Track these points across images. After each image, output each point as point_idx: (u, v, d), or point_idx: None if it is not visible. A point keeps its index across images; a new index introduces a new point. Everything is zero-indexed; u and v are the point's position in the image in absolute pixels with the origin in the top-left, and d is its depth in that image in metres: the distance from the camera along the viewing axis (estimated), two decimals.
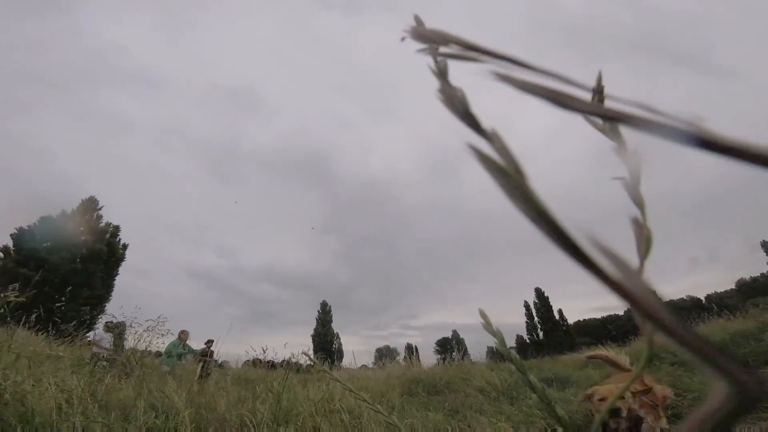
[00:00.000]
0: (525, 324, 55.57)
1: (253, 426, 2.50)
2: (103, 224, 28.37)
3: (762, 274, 44.32)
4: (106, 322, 8.49)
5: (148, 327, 6.44)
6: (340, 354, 51.03)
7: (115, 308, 7.15)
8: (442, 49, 0.23)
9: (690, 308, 36.30)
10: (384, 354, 53.95)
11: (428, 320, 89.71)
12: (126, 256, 28.91)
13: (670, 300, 49.13)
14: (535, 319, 54.94)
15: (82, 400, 2.18)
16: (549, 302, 55.08)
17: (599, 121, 0.32)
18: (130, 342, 6.72)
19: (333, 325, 54.97)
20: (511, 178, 0.18)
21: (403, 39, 0.26)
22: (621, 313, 55.72)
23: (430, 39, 0.24)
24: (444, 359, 11.27)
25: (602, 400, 2.69)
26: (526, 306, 56.02)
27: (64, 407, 2.05)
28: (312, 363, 1.10)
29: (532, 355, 27.33)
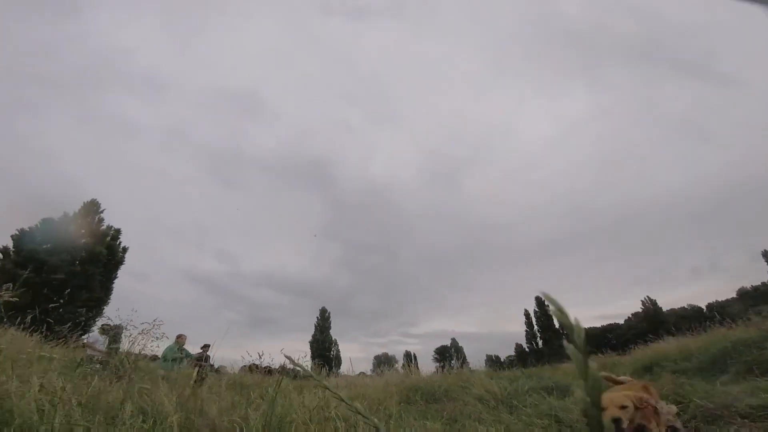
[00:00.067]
0: (525, 332, 55.33)
1: None
2: (104, 227, 28.36)
3: (763, 283, 44.05)
4: (102, 325, 8.44)
5: (142, 330, 6.35)
6: (338, 361, 50.71)
7: (113, 311, 7.05)
8: None
9: (691, 317, 36.08)
10: (382, 361, 53.57)
11: (427, 328, 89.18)
12: (126, 259, 28.88)
13: (672, 309, 49.01)
14: (535, 327, 54.70)
15: (66, 402, 2.12)
16: (549, 311, 54.84)
17: None
18: (124, 345, 6.64)
19: (332, 331, 54.71)
20: None
21: None
22: (621, 322, 55.53)
23: None
24: (443, 367, 11.17)
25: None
26: (526, 314, 55.76)
27: (47, 408, 2.00)
28: (301, 369, 1.04)
29: (532, 363, 27.11)
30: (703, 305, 48.05)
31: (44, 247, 24.27)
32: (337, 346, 54.58)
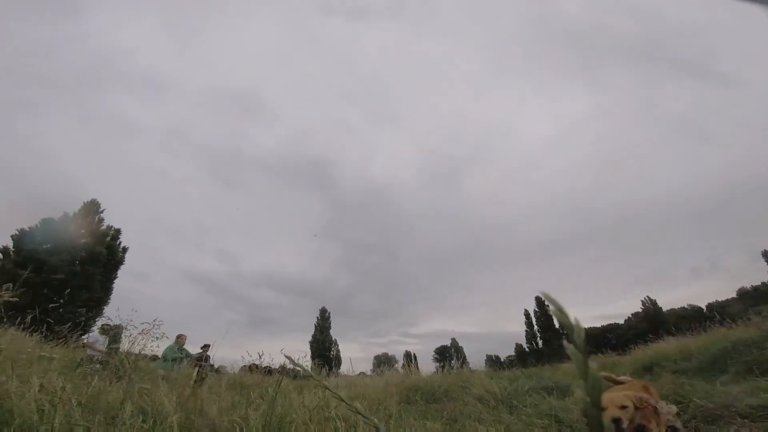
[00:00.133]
0: (525, 332, 55.34)
1: None
2: (104, 227, 28.36)
3: (763, 283, 44.05)
4: (102, 325, 8.44)
5: (142, 330, 6.34)
6: (338, 361, 50.71)
7: (113, 311, 7.04)
8: None
9: (691, 317, 36.08)
10: (382, 361, 53.61)
11: (427, 328, 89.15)
12: (126, 259, 28.89)
13: (672, 309, 49.01)
14: (535, 327, 54.70)
15: (66, 402, 2.12)
16: (549, 311, 54.84)
17: None
18: (124, 345, 6.64)
19: (332, 331, 54.71)
20: None
21: None
22: (621, 322, 55.53)
23: None
24: (443, 367, 11.16)
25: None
26: (526, 314, 55.76)
27: (47, 408, 1.99)
28: (301, 369, 1.04)
29: (532, 363, 27.11)
30: (703, 305, 48.04)
31: (44, 247, 24.27)
32: (337, 346, 54.60)
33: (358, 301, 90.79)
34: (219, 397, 3.33)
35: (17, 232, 24.37)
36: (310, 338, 53.07)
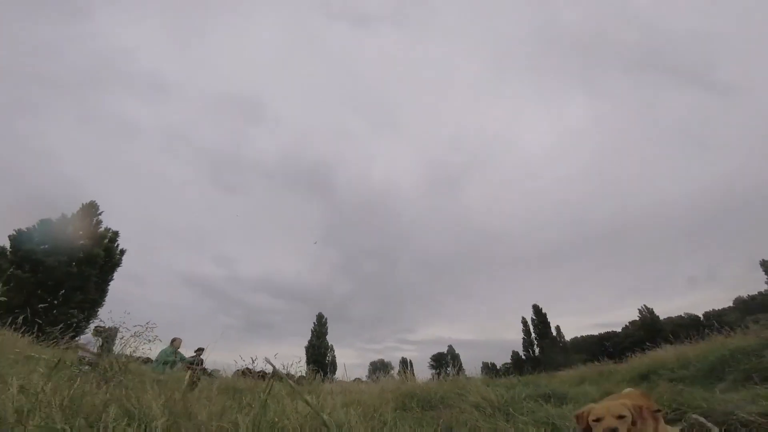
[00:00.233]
0: (522, 340, 55.30)
1: None
2: (102, 229, 28.29)
3: (760, 293, 44.22)
4: (96, 327, 8.36)
5: (135, 332, 6.28)
6: (333, 366, 50.49)
7: (106, 313, 6.99)
8: None
9: (688, 325, 36.04)
10: (378, 367, 53.51)
11: (424, 335, 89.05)
12: (123, 261, 28.80)
13: (669, 317, 48.99)
14: (532, 335, 54.65)
15: (44, 404, 2.05)
16: (546, 319, 54.86)
17: None
18: (117, 347, 6.57)
19: (328, 337, 54.57)
20: None
21: None
22: (618, 330, 55.49)
23: None
24: (439, 374, 11.07)
25: (597, 420, 2.57)
26: (524, 322, 55.80)
27: (25, 410, 1.93)
28: (282, 376, 0.99)
29: (528, 371, 27.00)
30: (699, 314, 48.14)
31: (41, 247, 24.16)
32: (333, 351, 54.45)
33: (356, 307, 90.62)
34: (209, 402, 3.26)
35: (15, 232, 24.24)
36: (306, 343, 52.91)
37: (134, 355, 6.48)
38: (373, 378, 14.74)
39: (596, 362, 19.40)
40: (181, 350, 10.40)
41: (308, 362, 45.56)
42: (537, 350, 53.48)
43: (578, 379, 14.76)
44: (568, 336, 56.10)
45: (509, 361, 55.65)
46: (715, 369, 8.55)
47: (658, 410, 2.79)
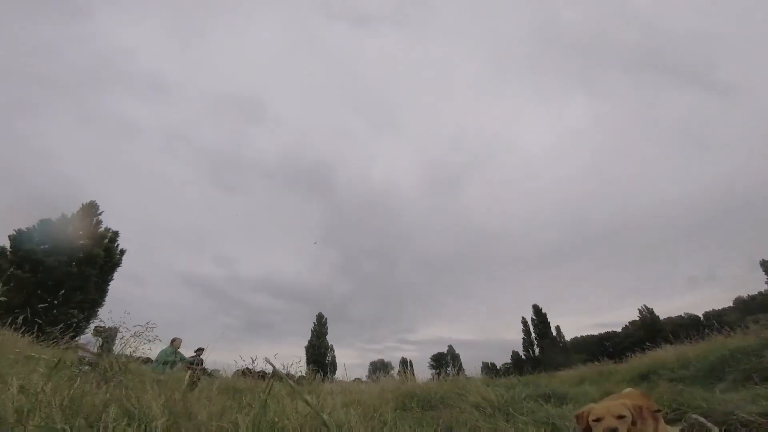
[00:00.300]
0: (522, 340, 55.31)
1: None
2: (102, 229, 28.31)
3: (760, 293, 44.24)
4: (96, 327, 8.36)
5: (135, 332, 6.28)
6: (333, 366, 50.50)
7: (106, 313, 6.99)
8: None
9: (688, 325, 36.04)
10: (378, 367, 53.52)
11: (424, 335, 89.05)
12: (123, 261, 28.83)
13: (669, 317, 48.99)
14: (532, 335, 54.65)
15: (44, 404, 2.05)
16: (546, 319, 54.87)
17: None
18: (117, 347, 6.58)
19: (328, 337, 54.57)
20: None
21: None
22: (618, 330, 55.49)
23: None
24: (439, 374, 11.07)
25: (597, 420, 2.57)
26: (524, 322, 55.80)
27: (25, 410, 1.92)
28: (282, 376, 0.99)
29: (528, 371, 27.00)
30: (699, 314, 48.15)
31: (41, 247, 24.17)
32: (333, 351, 54.45)
33: (356, 307, 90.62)
34: (209, 402, 3.25)
35: (15, 232, 24.24)
36: (306, 343, 52.90)
37: (134, 355, 6.48)
38: (373, 378, 14.74)
39: (596, 362, 19.40)
40: (181, 350, 10.40)
41: (308, 362, 45.56)
42: (537, 350, 53.50)
43: (578, 379, 14.75)
44: (568, 336, 56.19)
45: (509, 361, 55.70)
46: (715, 369, 8.55)
47: (658, 410, 2.80)
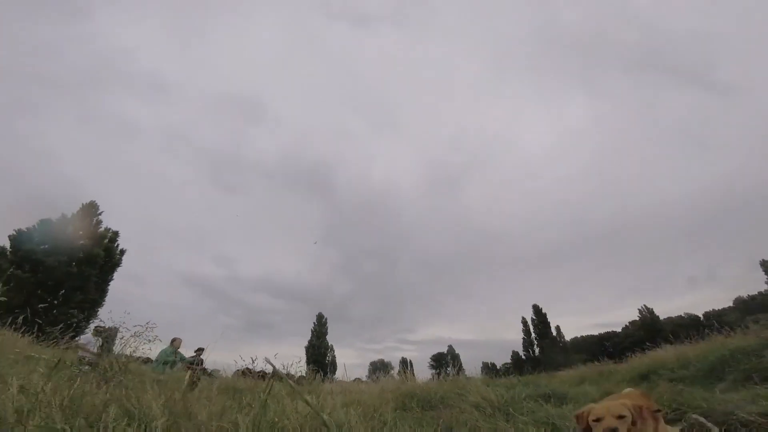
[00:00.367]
0: (522, 340, 55.32)
1: None
2: (102, 229, 28.32)
3: (760, 293, 44.25)
4: (96, 327, 8.36)
5: (135, 332, 6.28)
6: (333, 366, 50.50)
7: (106, 313, 7.00)
8: None
9: (688, 325, 36.04)
10: (378, 367, 53.52)
11: (424, 335, 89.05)
12: (123, 261, 28.84)
13: (669, 317, 48.99)
14: (532, 335, 54.66)
15: (44, 404, 2.05)
16: (546, 319, 54.88)
17: None
18: (117, 347, 6.58)
19: (328, 337, 54.56)
20: None
21: None
22: (618, 330, 55.49)
23: None
24: (439, 374, 11.07)
25: (597, 420, 2.57)
26: (524, 322, 55.81)
27: (25, 410, 1.92)
28: (283, 375, 0.99)
29: (528, 371, 27.00)
30: (699, 314, 48.16)
31: (41, 247, 24.16)
32: (333, 351, 54.44)
33: (356, 307, 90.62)
34: (209, 402, 3.25)
35: (15, 232, 24.24)
36: (306, 343, 52.90)
37: (134, 355, 6.48)
38: (373, 378, 14.74)
39: (596, 362, 19.40)
40: (181, 350, 10.40)
41: (308, 362, 45.61)
42: (537, 350, 53.51)
43: (578, 379, 14.75)
44: (568, 336, 56.21)
45: (509, 361, 55.72)
46: (715, 369, 8.55)
47: (658, 410, 2.79)
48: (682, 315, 50.00)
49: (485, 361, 55.37)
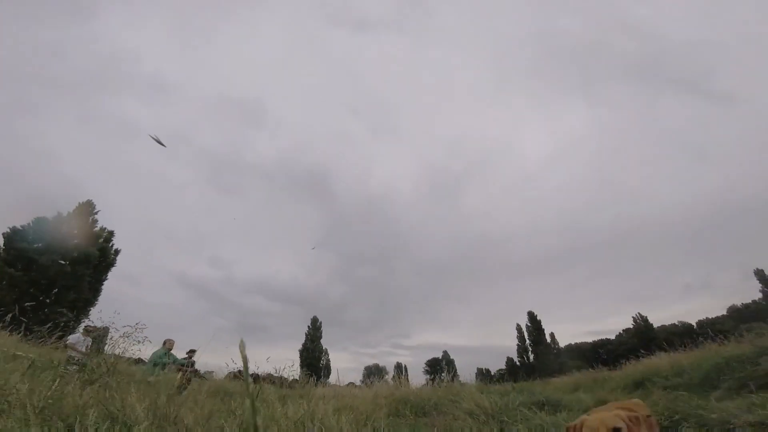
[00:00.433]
0: (516, 346, 55.25)
1: None
2: (97, 229, 28.11)
3: (754, 301, 44.43)
4: (86, 326, 8.24)
5: (124, 333, 6.18)
6: (327, 370, 50.15)
7: (97, 313, 6.91)
8: None
9: (682, 333, 36.12)
10: (373, 372, 53.16)
11: (420, 340, 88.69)
12: (118, 261, 28.63)
13: (662, 325, 49.07)
14: (527, 341, 54.61)
15: (17, 405, 1.97)
16: (541, 325, 54.86)
17: None
18: (108, 347, 6.48)
19: (323, 341, 54.20)
20: None
21: None
22: (612, 337, 55.51)
23: None
24: (433, 380, 11.01)
25: None
26: (518, 329, 55.76)
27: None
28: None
29: (523, 377, 26.91)
30: (693, 322, 48.27)
31: (35, 246, 23.91)
32: (327, 355, 54.04)
33: (351, 311, 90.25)
34: (197, 405, 3.17)
35: (9, 230, 23.98)
36: (300, 347, 52.55)
37: (124, 355, 6.38)
38: (367, 383, 14.66)
39: (591, 369, 19.36)
40: (174, 352, 10.27)
41: (302, 366, 45.32)
42: (531, 357, 53.44)
43: (572, 386, 14.71)
44: (563, 343, 56.18)
45: (504, 367, 55.59)
46: (710, 377, 8.53)
47: (649, 416, 2.73)
48: (676, 323, 50.06)
49: (480, 366, 55.25)
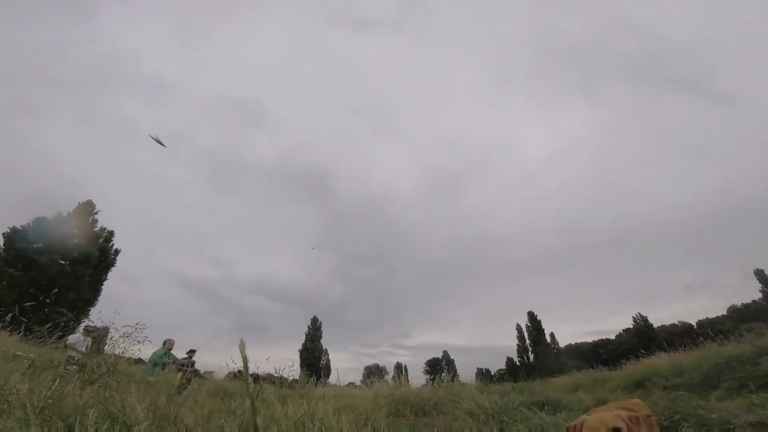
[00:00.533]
0: (516, 346, 55.27)
1: None
2: (97, 228, 28.10)
3: (754, 301, 44.45)
4: (86, 326, 8.24)
5: (124, 333, 6.18)
6: (327, 370, 50.14)
7: (97, 313, 6.91)
8: None
9: (682, 333, 36.13)
10: (372, 372, 53.15)
11: (420, 340, 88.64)
12: (118, 261, 28.63)
13: (662, 325, 49.08)
14: (527, 341, 54.64)
15: (17, 405, 1.97)
16: (541, 325, 54.88)
17: None
18: (108, 347, 6.48)
19: (323, 341, 54.19)
20: None
21: None
22: (612, 337, 55.53)
23: None
24: (433, 380, 11.01)
25: None
26: (519, 329, 55.78)
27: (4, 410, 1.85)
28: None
29: (523, 377, 26.91)
30: (693, 322, 48.28)
31: (35, 246, 23.90)
32: (327, 355, 54.03)
33: (351, 311, 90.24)
34: (197, 405, 3.17)
35: (8, 230, 23.96)
36: (300, 347, 52.55)
37: (124, 355, 6.38)
38: (367, 383, 14.67)
39: (591, 369, 19.36)
40: (174, 352, 10.26)
41: (302, 366, 45.32)
42: (531, 357, 53.47)
43: (572, 386, 14.72)
44: (563, 343, 56.21)
45: (504, 367, 55.60)
46: (710, 377, 8.54)
47: (649, 416, 2.73)
48: (676, 323, 50.05)
49: (480, 366, 55.27)
